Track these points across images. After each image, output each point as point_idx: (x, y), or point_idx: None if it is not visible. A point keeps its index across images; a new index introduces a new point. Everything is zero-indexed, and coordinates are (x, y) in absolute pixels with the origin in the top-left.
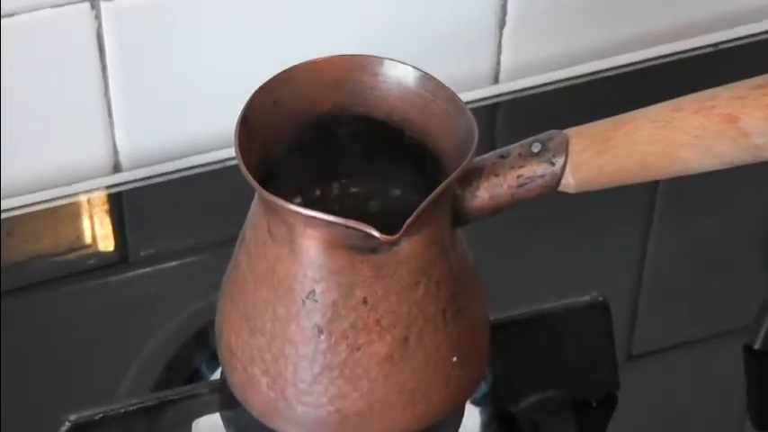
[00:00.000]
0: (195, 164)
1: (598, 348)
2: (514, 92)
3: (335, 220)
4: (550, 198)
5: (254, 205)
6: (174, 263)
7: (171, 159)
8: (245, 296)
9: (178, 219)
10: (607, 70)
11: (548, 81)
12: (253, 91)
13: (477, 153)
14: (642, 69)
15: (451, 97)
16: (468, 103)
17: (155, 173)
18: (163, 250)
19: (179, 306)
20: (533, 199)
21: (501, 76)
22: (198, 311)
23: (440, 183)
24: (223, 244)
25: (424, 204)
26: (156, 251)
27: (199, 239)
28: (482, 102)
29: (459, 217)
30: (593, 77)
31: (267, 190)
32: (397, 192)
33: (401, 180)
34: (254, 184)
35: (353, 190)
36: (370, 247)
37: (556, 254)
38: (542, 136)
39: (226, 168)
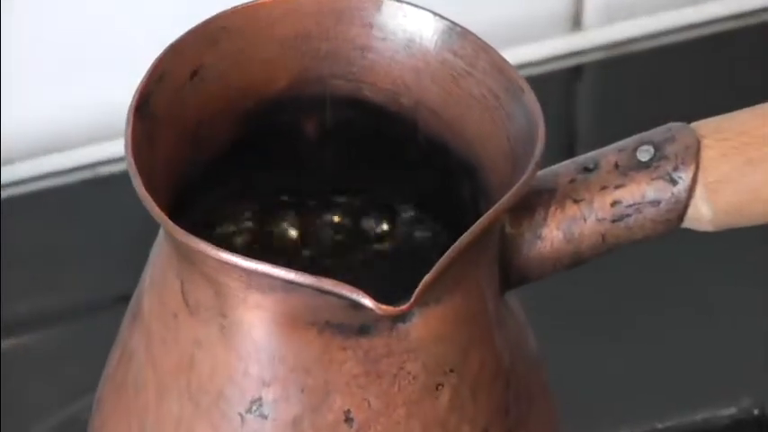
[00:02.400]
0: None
1: None
2: (604, 47)
3: (299, 279)
4: (667, 239)
5: (158, 251)
6: (19, 338)
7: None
8: (142, 408)
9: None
10: (754, 13)
11: (658, 30)
12: (156, 56)
13: (544, 164)
14: None
15: (499, 66)
16: (529, 68)
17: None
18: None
19: (26, 415)
20: (640, 241)
21: (584, 19)
22: (58, 428)
23: (478, 213)
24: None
25: (450, 253)
26: None
27: (65, 298)
28: (552, 64)
29: (513, 273)
30: (738, 24)
31: (182, 224)
32: (405, 228)
33: (411, 208)
34: (159, 214)
35: (330, 221)
36: (359, 326)
37: (674, 333)
38: (655, 133)
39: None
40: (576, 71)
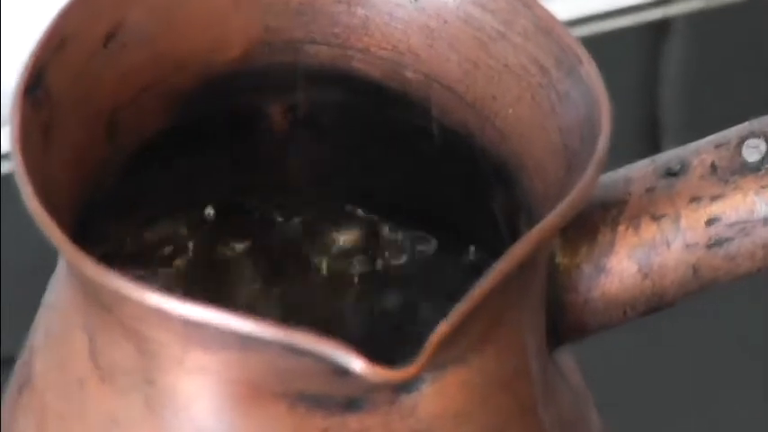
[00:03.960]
0: None
1: None
2: None
3: (262, 332)
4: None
5: (57, 291)
6: None
7: None
8: None
9: None
10: None
11: None
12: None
13: (611, 165)
14: None
15: (546, 25)
16: (590, 25)
17: None
18: None
19: None
20: (745, 275)
21: None
22: None
23: (515, 234)
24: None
25: (475, 293)
26: None
27: None
28: (624, 19)
29: (567, 321)
30: None
31: (93, 251)
32: (411, 254)
33: (418, 224)
34: (59, 237)
35: (305, 244)
36: (346, 398)
37: None
38: (767, 122)
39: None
40: (661, 29)
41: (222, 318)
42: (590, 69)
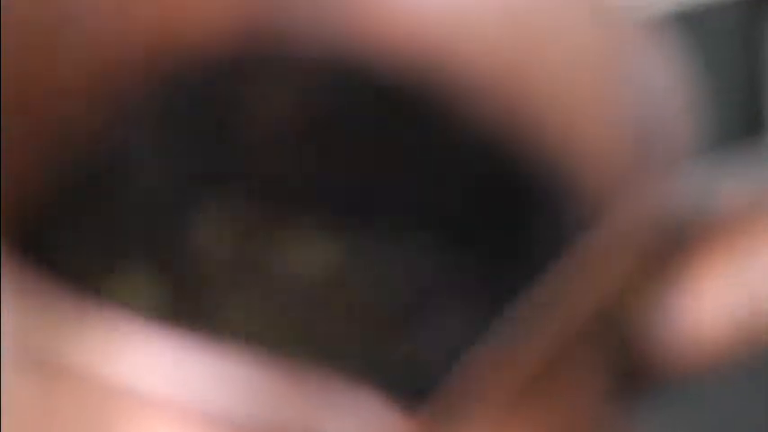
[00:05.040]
0: None
1: None
2: None
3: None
4: None
5: None
6: None
7: None
8: None
9: None
10: None
11: None
12: None
13: (696, 172)
14: None
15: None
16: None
17: None
18: None
19: None
20: None
21: None
22: None
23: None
24: None
25: (524, 362)
26: None
27: None
28: None
29: (637, 371)
30: None
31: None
32: (423, 278)
33: (436, 237)
34: None
35: (291, 266)
36: None
37: None
38: None
39: None
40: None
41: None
42: (664, 43)
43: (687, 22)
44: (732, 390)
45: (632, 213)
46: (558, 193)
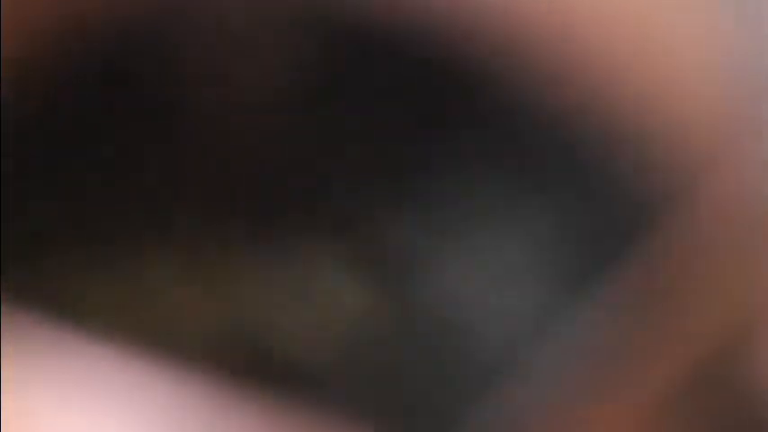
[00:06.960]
0: None
1: None
2: None
3: None
4: None
5: None
6: None
7: None
8: None
9: None
10: None
11: None
12: None
13: None
14: None
15: None
16: None
17: None
18: None
19: None
20: None
21: None
22: None
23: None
24: None
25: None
26: None
27: None
28: None
29: (743, 413)
30: None
31: None
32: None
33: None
34: None
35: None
36: None
37: None
38: None
39: None
40: None
41: None
42: None
43: None
44: None
45: (727, 193)
46: (647, 165)
